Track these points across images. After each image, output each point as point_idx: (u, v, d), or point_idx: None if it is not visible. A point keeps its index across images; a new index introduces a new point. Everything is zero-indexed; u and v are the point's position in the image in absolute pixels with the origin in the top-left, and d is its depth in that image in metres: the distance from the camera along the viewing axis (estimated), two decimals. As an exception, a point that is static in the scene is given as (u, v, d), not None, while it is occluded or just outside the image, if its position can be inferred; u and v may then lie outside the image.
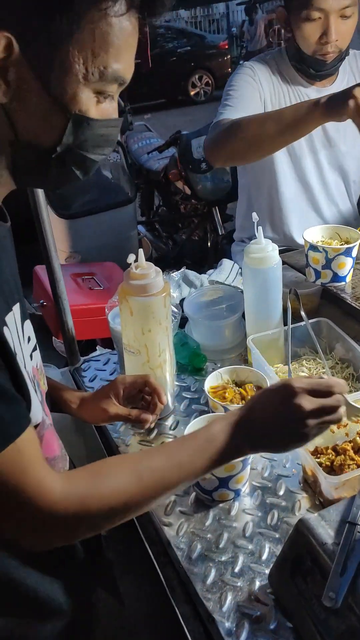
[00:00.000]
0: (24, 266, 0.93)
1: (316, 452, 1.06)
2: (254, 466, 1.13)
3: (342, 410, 0.85)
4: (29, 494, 0.71)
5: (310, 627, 0.79)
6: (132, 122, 4.92)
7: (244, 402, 1.19)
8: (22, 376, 0.75)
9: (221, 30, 17.38)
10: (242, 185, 2.05)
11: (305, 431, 0.83)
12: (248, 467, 1.07)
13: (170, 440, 1.24)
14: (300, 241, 1.91)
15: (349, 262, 1.49)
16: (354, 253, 1.49)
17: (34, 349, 0.90)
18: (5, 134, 0.73)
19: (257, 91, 1.74)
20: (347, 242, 1.54)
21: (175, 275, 1.75)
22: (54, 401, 1.11)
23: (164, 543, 1.01)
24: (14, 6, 0.68)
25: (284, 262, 1.41)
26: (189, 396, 1.36)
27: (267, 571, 0.92)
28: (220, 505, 1.07)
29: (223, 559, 0.97)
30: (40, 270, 2.55)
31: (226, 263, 1.93)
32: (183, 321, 1.55)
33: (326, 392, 0.84)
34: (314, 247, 1.50)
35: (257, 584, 0.92)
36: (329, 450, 1.06)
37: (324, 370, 1.32)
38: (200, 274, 1.87)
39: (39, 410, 0.85)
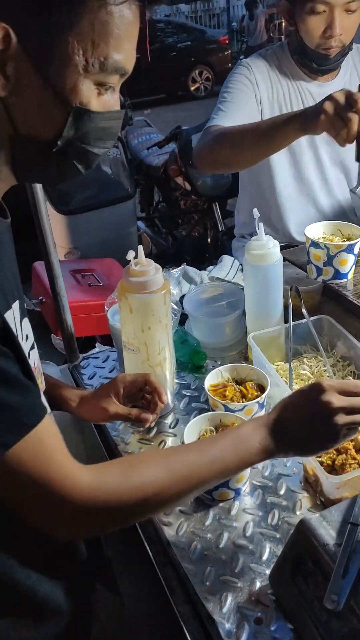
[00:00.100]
0: (23, 262, 0.92)
1: (317, 451, 1.05)
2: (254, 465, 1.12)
3: None
4: (56, 485, 0.71)
5: (312, 629, 0.78)
6: (132, 117, 4.88)
7: (244, 400, 1.18)
8: (30, 368, 0.74)
9: (222, 25, 17.34)
10: (242, 181, 2.04)
11: (335, 429, 0.83)
12: (248, 466, 1.06)
13: (170, 438, 1.23)
14: (299, 238, 1.91)
15: (350, 259, 1.47)
16: (356, 250, 1.48)
17: (32, 347, 0.89)
18: (4, 128, 0.71)
19: (253, 93, 1.74)
20: (348, 239, 1.52)
21: (175, 272, 1.73)
22: (53, 399, 1.10)
23: (164, 543, 1.00)
24: None
25: (285, 259, 1.40)
26: (188, 394, 1.35)
27: (268, 571, 0.92)
28: (221, 504, 1.06)
29: (223, 558, 0.96)
30: (39, 266, 2.54)
31: (226, 259, 1.92)
32: (183, 318, 1.54)
33: (356, 392, 0.85)
34: (315, 244, 1.48)
35: (258, 584, 0.91)
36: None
37: (325, 368, 1.31)
38: (200, 270, 1.86)
39: None
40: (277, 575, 0.89)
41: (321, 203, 1.91)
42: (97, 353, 1.58)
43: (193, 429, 1.11)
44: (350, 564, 0.77)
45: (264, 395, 1.17)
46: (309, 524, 0.82)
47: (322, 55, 1.66)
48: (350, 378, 1.30)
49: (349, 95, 1.25)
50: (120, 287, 1.14)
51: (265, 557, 0.95)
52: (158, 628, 1.00)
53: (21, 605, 0.88)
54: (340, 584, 0.75)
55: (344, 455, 1.03)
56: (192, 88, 11.59)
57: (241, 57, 11.38)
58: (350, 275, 1.51)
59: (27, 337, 0.86)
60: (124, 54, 0.72)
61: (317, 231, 1.55)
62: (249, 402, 1.15)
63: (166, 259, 3.93)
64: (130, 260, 1.12)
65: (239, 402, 1.17)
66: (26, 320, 0.87)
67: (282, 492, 1.07)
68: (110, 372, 1.48)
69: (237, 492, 1.06)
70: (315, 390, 0.86)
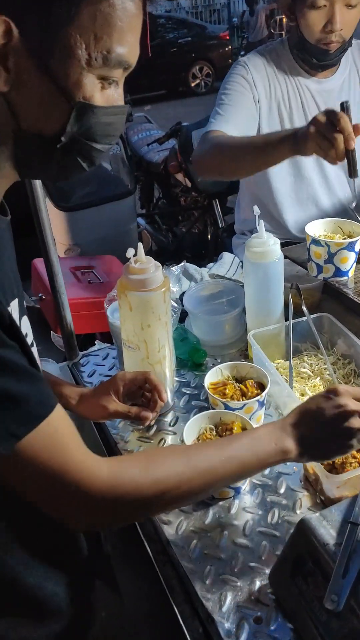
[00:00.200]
0: (23, 259, 0.91)
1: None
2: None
3: None
4: (73, 475, 0.71)
5: (312, 629, 0.78)
6: (132, 114, 4.87)
7: (244, 398, 1.18)
8: (36, 361, 0.74)
9: (222, 20, 17.28)
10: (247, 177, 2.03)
11: (351, 432, 0.85)
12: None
13: (170, 436, 1.23)
14: (300, 235, 1.90)
15: (351, 257, 1.47)
16: (357, 247, 1.47)
17: (31, 345, 0.89)
18: (7, 123, 0.70)
19: (250, 93, 1.74)
20: (349, 236, 1.52)
21: (175, 269, 1.73)
22: None
23: (163, 541, 1.00)
24: None
25: (285, 256, 1.40)
26: (188, 392, 1.35)
27: (268, 571, 0.91)
28: (220, 503, 1.05)
29: (223, 557, 0.95)
30: (39, 263, 2.53)
31: (226, 256, 1.91)
32: (183, 316, 1.54)
33: None
34: (316, 241, 1.48)
35: (258, 583, 0.91)
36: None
37: (325, 366, 1.31)
38: (200, 267, 1.85)
39: None
40: (277, 575, 0.88)
41: (321, 200, 1.91)
42: (97, 351, 1.57)
43: (193, 427, 1.10)
44: (351, 563, 0.76)
45: (264, 394, 1.16)
46: (309, 523, 0.82)
47: (323, 51, 1.66)
48: (351, 377, 1.30)
49: (331, 115, 1.28)
50: (119, 284, 1.14)
51: (265, 556, 0.95)
52: (158, 627, 1.00)
53: (23, 604, 0.88)
54: (340, 584, 0.74)
55: (344, 454, 1.03)
56: (193, 84, 11.55)
57: (242, 52, 11.35)
58: (350, 273, 1.51)
59: (26, 335, 0.86)
60: (127, 47, 0.71)
61: (317, 229, 1.55)
62: (249, 400, 1.15)
63: (166, 255, 3.92)
64: (129, 258, 1.12)
65: (239, 400, 1.16)
66: (25, 318, 0.87)
67: (282, 490, 1.07)
68: (109, 369, 1.48)
69: (237, 490, 1.06)
70: (331, 393, 0.89)
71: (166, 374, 1.24)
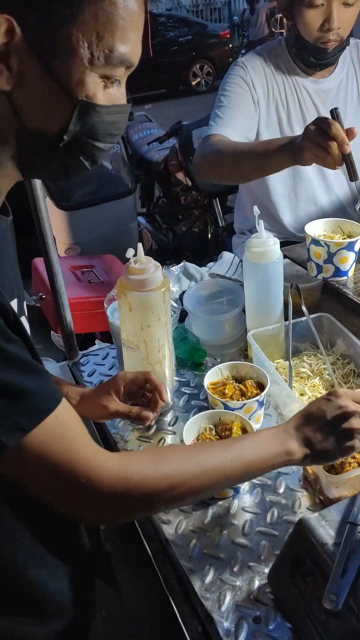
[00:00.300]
0: (23, 259, 0.91)
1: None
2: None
3: None
4: (82, 468, 0.72)
5: (310, 628, 0.78)
6: (132, 113, 4.86)
7: (244, 398, 1.18)
8: (40, 358, 0.74)
9: (223, 19, 17.25)
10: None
11: (352, 433, 0.87)
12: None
13: (170, 435, 1.23)
14: (299, 235, 1.90)
15: (351, 257, 1.47)
16: (357, 247, 1.47)
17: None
18: (10, 122, 0.71)
19: (249, 95, 1.75)
20: (349, 236, 1.52)
21: (175, 269, 1.73)
22: None
23: (163, 541, 1.00)
24: None
25: (285, 256, 1.40)
26: (188, 391, 1.35)
27: (267, 570, 0.92)
28: (220, 502, 1.06)
29: (222, 557, 0.96)
30: (39, 262, 2.53)
31: (226, 256, 1.91)
32: (183, 315, 1.54)
33: None
34: (315, 241, 1.48)
35: (257, 583, 0.91)
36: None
37: (324, 366, 1.31)
38: (200, 266, 1.86)
39: None
40: (276, 575, 0.88)
41: (320, 200, 1.91)
42: (97, 350, 1.58)
43: (192, 426, 1.11)
44: (349, 563, 0.76)
45: (263, 393, 1.16)
46: (308, 523, 0.82)
47: (320, 49, 1.66)
48: (351, 377, 1.30)
49: (322, 124, 1.30)
50: (119, 284, 1.14)
51: (264, 555, 0.95)
52: (157, 627, 1.00)
53: (26, 601, 0.88)
54: (338, 584, 0.75)
55: (343, 454, 1.03)
56: (193, 83, 11.54)
57: (242, 51, 11.33)
58: (350, 273, 1.51)
59: (25, 336, 0.86)
60: (130, 45, 0.71)
61: (317, 228, 1.55)
62: (249, 400, 1.15)
63: (166, 254, 3.92)
64: (129, 258, 1.12)
65: (238, 400, 1.16)
66: (24, 319, 0.87)
67: (281, 490, 1.07)
68: (109, 369, 1.48)
69: (237, 490, 1.06)
70: (331, 396, 0.90)
71: (166, 373, 1.24)
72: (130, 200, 3.61)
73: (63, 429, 0.71)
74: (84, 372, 1.49)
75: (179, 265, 1.78)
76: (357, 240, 1.46)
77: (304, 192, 1.89)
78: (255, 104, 1.75)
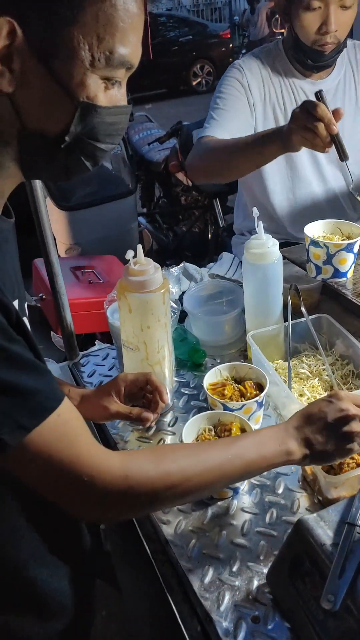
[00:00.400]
0: (23, 259, 0.92)
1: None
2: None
3: None
4: (85, 466, 0.72)
5: (309, 628, 0.79)
6: (132, 113, 4.87)
7: (243, 399, 1.18)
8: (42, 357, 0.75)
9: (223, 19, 17.25)
10: (241, 178, 2.04)
11: (351, 435, 0.88)
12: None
13: (169, 436, 1.24)
14: (298, 236, 1.90)
15: (350, 258, 1.47)
16: (356, 249, 1.47)
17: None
18: (12, 123, 0.71)
19: (245, 97, 1.75)
20: (348, 238, 1.52)
21: (175, 270, 1.73)
22: None
23: (162, 541, 1.01)
24: None
25: (284, 257, 1.40)
26: (187, 392, 1.36)
27: (265, 570, 0.92)
28: (219, 503, 1.06)
29: (221, 557, 0.96)
30: (40, 263, 2.53)
31: (226, 256, 1.92)
32: (182, 316, 1.54)
33: None
34: (315, 243, 1.48)
35: (255, 583, 0.91)
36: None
37: (324, 367, 1.31)
38: (200, 266, 1.86)
39: None
40: (275, 575, 0.89)
41: (319, 200, 1.91)
42: (97, 351, 1.58)
43: (192, 427, 1.11)
44: (347, 564, 0.77)
45: (262, 394, 1.17)
46: (307, 523, 0.82)
47: (318, 52, 1.66)
48: (350, 378, 1.31)
49: (308, 106, 1.30)
50: (119, 286, 1.14)
51: (263, 556, 0.95)
52: (156, 626, 1.01)
53: (27, 601, 0.89)
54: (336, 584, 0.75)
55: (342, 454, 1.03)
56: (194, 83, 11.54)
57: (243, 51, 11.34)
58: (349, 274, 1.51)
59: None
60: (130, 47, 0.72)
61: (316, 230, 1.55)
62: (248, 401, 1.16)
63: (166, 254, 3.92)
64: (129, 260, 1.12)
65: (237, 401, 1.17)
66: (25, 320, 0.87)
67: (280, 491, 1.07)
68: (109, 369, 1.49)
69: (236, 491, 1.07)
70: (333, 398, 0.91)
71: (165, 374, 1.24)
72: (130, 201, 3.61)
73: (65, 427, 0.71)
74: (84, 373, 1.49)
75: (178, 266, 1.78)
76: (356, 242, 1.46)
77: (302, 193, 1.89)
78: (251, 107, 1.76)
